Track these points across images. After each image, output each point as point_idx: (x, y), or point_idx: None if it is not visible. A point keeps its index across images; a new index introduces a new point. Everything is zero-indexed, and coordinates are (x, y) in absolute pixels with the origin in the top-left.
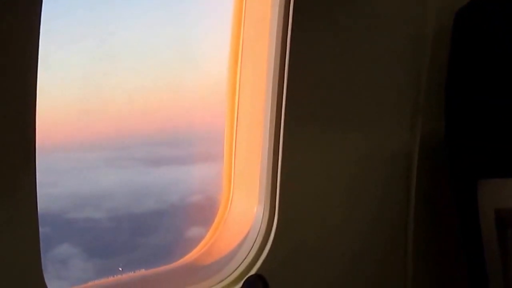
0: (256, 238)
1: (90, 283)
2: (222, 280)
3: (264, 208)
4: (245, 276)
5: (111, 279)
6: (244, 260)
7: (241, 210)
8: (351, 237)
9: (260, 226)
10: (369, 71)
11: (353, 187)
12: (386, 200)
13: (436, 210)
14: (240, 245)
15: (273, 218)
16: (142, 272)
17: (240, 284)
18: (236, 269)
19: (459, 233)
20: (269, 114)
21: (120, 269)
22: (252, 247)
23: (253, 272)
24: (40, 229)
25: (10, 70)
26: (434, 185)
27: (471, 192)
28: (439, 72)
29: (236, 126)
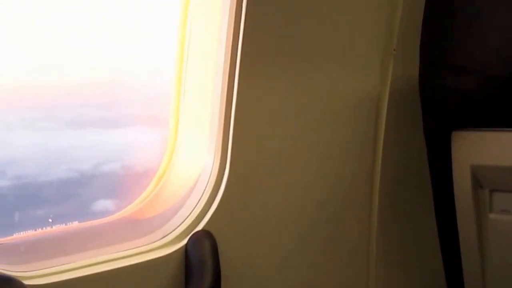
0: (204, 190)
1: (16, 235)
2: (164, 236)
3: (214, 156)
4: (191, 232)
5: (41, 231)
6: (190, 214)
7: (188, 159)
8: (311, 188)
9: (209, 176)
10: (337, 11)
11: (313, 133)
12: (350, 148)
13: (405, 161)
14: (186, 197)
15: (224, 167)
16: (75, 224)
17: (185, 241)
18: (180, 224)
19: (432, 188)
20: (223, 55)
21: (50, 220)
22: (199, 200)
23: (199, 228)
24: None
25: None
26: (404, 134)
27: (445, 144)
28: (415, 14)
29: (186, 67)
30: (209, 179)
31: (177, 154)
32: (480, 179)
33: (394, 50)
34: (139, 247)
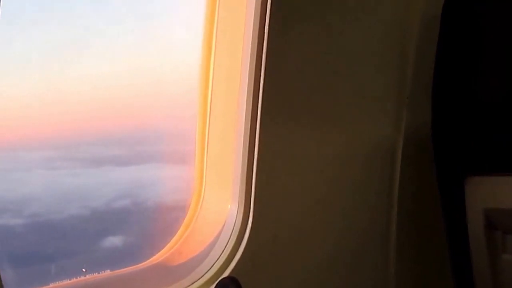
0: (229, 238)
1: (52, 285)
2: (193, 283)
3: (238, 206)
4: (218, 278)
5: (75, 280)
6: (216, 261)
7: (213, 208)
8: (330, 237)
9: (234, 224)
10: (352, 62)
11: (332, 184)
12: (367, 198)
13: (421, 208)
14: (212, 245)
15: (248, 216)
16: (107, 273)
17: (212, 287)
18: (208, 271)
19: (446, 233)
20: (244, 107)
21: (84, 270)
22: (225, 247)
23: (226, 274)
24: None
25: None
26: (418, 182)
27: (458, 189)
28: (427, 63)
29: (209, 120)
30: (234, 226)
31: (203, 202)
32: (493, 221)
33: (407, 98)
34: None
